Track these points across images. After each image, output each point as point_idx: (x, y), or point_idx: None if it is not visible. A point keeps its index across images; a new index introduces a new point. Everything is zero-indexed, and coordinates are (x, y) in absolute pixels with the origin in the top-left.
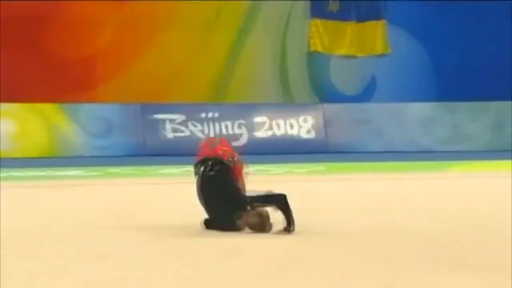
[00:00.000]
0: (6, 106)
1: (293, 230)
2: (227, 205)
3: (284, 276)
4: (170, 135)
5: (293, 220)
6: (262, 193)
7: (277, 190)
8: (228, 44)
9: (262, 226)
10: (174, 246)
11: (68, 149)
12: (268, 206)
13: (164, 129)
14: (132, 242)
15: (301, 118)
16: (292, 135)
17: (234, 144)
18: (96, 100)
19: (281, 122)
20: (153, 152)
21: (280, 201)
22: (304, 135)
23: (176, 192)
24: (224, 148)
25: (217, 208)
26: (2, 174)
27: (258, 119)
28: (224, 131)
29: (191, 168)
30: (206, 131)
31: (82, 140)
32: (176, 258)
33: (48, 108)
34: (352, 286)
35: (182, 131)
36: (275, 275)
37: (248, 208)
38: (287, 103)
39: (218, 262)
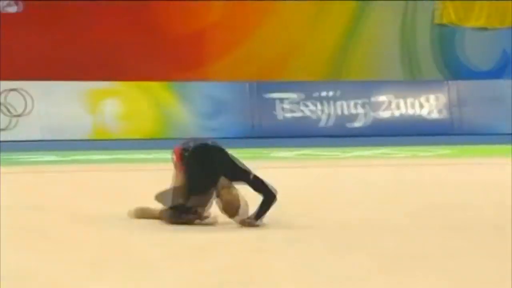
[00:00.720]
0: (112, 85)
1: (258, 225)
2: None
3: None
4: (283, 115)
5: (262, 218)
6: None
7: (400, 176)
8: (346, 18)
9: (234, 208)
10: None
11: (176, 130)
12: (256, 191)
13: (277, 109)
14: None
15: (424, 97)
16: (415, 116)
17: (350, 125)
18: (206, 78)
19: (403, 101)
20: (265, 134)
21: (268, 196)
22: (428, 115)
23: (290, 176)
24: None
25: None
26: (110, 156)
27: (378, 98)
28: (340, 111)
29: (306, 151)
30: (320, 111)
31: (191, 120)
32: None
33: (156, 86)
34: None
35: (296, 111)
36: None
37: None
38: (410, 80)
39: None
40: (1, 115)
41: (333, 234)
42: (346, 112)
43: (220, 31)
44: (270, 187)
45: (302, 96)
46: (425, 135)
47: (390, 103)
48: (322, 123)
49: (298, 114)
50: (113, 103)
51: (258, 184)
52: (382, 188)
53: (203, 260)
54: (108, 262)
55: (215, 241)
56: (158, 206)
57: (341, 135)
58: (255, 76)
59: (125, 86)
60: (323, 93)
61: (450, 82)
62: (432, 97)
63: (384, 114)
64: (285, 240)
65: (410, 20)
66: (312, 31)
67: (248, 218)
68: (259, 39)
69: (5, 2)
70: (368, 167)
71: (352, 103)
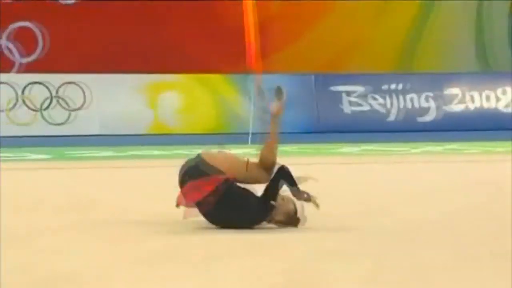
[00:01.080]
0: (172, 77)
1: (310, 196)
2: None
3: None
4: (348, 109)
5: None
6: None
7: (473, 173)
8: (414, 7)
9: (291, 222)
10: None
11: (236, 125)
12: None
13: (342, 102)
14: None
15: (501, 90)
16: (489, 109)
17: (420, 119)
18: (267, 70)
19: (476, 94)
20: (329, 129)
21: (284, 176)
22: (503, 108)
23: (356, 173)
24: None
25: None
26: (169, 152)
27: (449, 90)
28: (410, 105)
29: (373, 147)
30: (388, 105)
31: (252, 114)
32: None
33: (216, 79)
34: None
35: (362, 105)
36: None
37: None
38: (483, 72)
39: None
40: (59, 109)
41: (404, 232)
42: (416, 105)
43: (281, 22)
44: (272, 179)
45: (370, 89)
46: (501, 129)
47: (463, 96)
48: (391, 117)
49: (365, 108)
50: (172, 97)
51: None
52: (454, 185)
53: (266, 259)
54: (165, 260)
55: (281, 240)
56: None
57: (411, 129)
58: (318, 68)
59: (185, 79)
60: (392, 86)
61: None
62: (509, 90)
63: (457, 107)
64: (351, 240)
65: (486, 9)
66: (379, 20)
67: (299, 196)
68: (323, 29)
69: None
70: (440, 163)
71: (423, 96)
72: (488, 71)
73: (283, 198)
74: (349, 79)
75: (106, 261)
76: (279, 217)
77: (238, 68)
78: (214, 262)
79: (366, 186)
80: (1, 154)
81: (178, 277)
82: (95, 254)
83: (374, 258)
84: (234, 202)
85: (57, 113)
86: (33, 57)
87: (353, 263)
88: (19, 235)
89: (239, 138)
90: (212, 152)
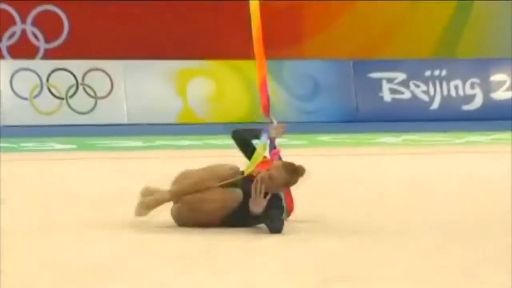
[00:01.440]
0: (202, 64)
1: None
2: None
3: None
4: (388, 97)
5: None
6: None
7: None
8: None
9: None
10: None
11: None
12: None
13: (381, 90)
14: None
15: None
16: None
17: (465, 108)
18: (302, 56)
19: None
20: (368, 118)
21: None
22: None
23: (397, 165)
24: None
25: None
26: (199, 142)
27: (495, 77)
28: (453, 92)
29: (414, 137)
30: (431, 92)
31: (286, 103)
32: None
33: (248, 65)
34: None
35: (403, 93)
36: None
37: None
38: None
39: None
40: (85, 96)
41: (448, 228)
42: (461, 93)
43: (317, 5)
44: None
45: (412, 75)
46: None
47: (508, 82)
48: (434, 105)
49: (406, 96)
50: (202, 84)
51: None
52: (501, 177)
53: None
54: (193, 257)
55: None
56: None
57: (455, 118)
58: (357, 54)
59: (216, 65)
60: (436, 72)
61: None
62: None
63: (505, 95)
64: (393, 233)
65: None
66: (418, 4)
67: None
68: (361, 12)
69: None
70: (485, 153)
71: (468, 83)
72: None
73: (267, 176)
74: (389, 65)
75: (140, 256)
76: (280, 187)
77: (272, 53)
78: (252, 258)
79: (408, 179)
80: (25, 144)
81: (204, 275)
82: (127, 248)
83: (423, 253)
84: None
85: (82, 101)
86: (58, 42)
87: (395, 259)
88: (46, 229)
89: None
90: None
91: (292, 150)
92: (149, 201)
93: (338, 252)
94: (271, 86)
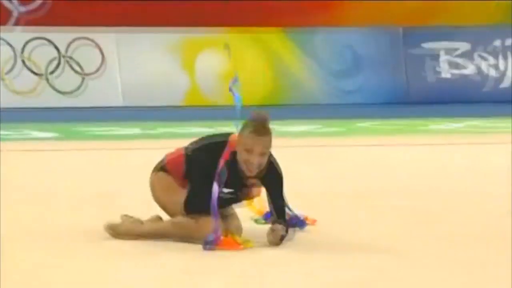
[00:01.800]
0: (213, 32)
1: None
2: None
3: None
4: (447, 73)
5: None
6: None
7: None
8: None
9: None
10: None
11: (297, 95)
12: None
13: (439, 64)
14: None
15: None
16: None
17: None
18: (337, 24)
19: None
20: (421, 99)
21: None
22: None
23: (455, 156)
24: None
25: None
26: (210, 129)
27: None
28: None
29: (477, 122)
30: (502, 66)
31: (319, 80)
32: None
33: (270, 35)
34: None
35: (465, 67)
36: None
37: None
38: None
39: None
40: (70, 73)
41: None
42: None
43: None
44: None
45: (477, 45)
46: None
47: None
48: (504, 83)
49: (470, 71)
50: (214, 58)
51: None
52: None
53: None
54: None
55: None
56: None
57: None
58: (406, 19)
59: (231, 34)
60: (507, 42)
61: None
62: None
63: None
64: (442, 235)
65: None
66: None
67: None
68: None
69: None
70: None
71: None
72: None
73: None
74: (447, 34)
75: (139, 264)
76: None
77: (302, 20)
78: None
79: (467, 172)
80: None
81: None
82: (120, 256)
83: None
84: None
85: (66, 78)
86: (35, 5)
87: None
88: (24, 234)
89: (300, 111)
90: None
91: (326, 140)
92: (121, 229)
93: None
94: (301, 60)
